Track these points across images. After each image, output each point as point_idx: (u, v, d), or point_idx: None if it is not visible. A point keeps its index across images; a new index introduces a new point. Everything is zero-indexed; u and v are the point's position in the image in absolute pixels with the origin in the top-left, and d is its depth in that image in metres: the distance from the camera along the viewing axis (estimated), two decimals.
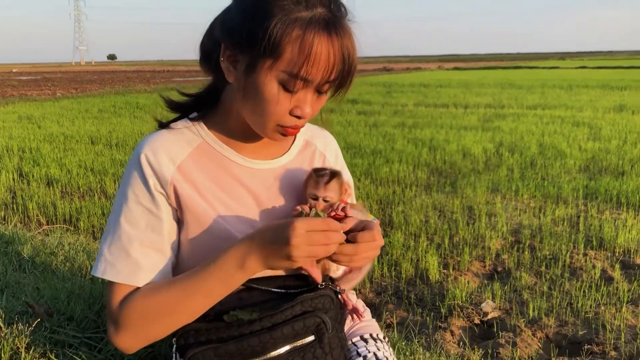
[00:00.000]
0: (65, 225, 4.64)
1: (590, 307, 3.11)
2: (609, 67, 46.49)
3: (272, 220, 1.15)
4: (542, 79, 27.97)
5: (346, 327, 1.29)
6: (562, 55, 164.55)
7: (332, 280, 1.15)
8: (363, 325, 1.32)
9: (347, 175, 1.33)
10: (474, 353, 2.69)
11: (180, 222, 1.14)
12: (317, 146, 1.33)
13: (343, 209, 1.08)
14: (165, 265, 1.12)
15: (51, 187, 5.85)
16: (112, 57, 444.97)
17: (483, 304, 3.20)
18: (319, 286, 1.10)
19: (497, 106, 13.88)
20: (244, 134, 1.18)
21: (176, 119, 1.21)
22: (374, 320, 1.36)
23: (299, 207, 1.10)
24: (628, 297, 3.20)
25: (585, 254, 3.87)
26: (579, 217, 4.71)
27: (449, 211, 4.94)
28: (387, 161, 6.98)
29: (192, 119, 1.19)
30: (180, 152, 1.14)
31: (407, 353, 2.39)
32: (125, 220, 1.10)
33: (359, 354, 1.23)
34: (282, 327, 1.02)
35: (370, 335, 1.29)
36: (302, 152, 1.29)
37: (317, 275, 1.08)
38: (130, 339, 1.06)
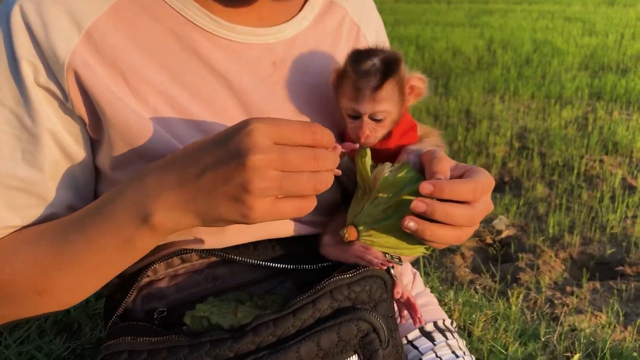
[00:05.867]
0: None
1: (617, 221, 2.75)
2: None
3: None
4: None
5: None
6: None
7: None
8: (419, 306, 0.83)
9: None
10: (492, 280, 2.32)
11: (97, 142, 0.62)
12: (347, 10, 0.77)
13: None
14: (45, 220, 0.63)
15: None
16: None
17: (495, 221, 2.81)
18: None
19: (481, 1, 13.10)
20: None
21: None
22: (427, 289, 0.86)
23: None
24: None
25: (601, 161, 3.47)
26: (586, 118, 4.29)
27: (445, 115, 4.46)
28: None
29: None
30: (91, 3, 0.59)
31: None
32: None
33: None
34: (298, 344, 0.53)
35: (435, 324, 0.79)
36: (322, 17, 0.73)
37: (377, 253, 0.60)
38: None
